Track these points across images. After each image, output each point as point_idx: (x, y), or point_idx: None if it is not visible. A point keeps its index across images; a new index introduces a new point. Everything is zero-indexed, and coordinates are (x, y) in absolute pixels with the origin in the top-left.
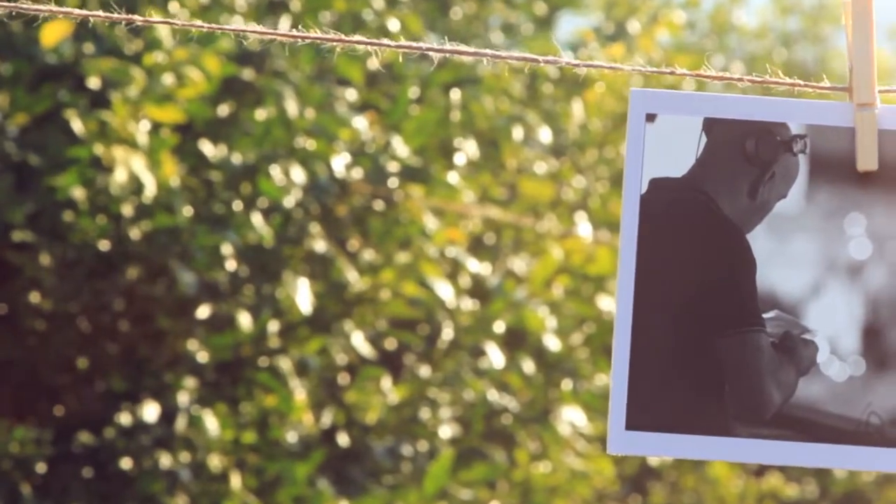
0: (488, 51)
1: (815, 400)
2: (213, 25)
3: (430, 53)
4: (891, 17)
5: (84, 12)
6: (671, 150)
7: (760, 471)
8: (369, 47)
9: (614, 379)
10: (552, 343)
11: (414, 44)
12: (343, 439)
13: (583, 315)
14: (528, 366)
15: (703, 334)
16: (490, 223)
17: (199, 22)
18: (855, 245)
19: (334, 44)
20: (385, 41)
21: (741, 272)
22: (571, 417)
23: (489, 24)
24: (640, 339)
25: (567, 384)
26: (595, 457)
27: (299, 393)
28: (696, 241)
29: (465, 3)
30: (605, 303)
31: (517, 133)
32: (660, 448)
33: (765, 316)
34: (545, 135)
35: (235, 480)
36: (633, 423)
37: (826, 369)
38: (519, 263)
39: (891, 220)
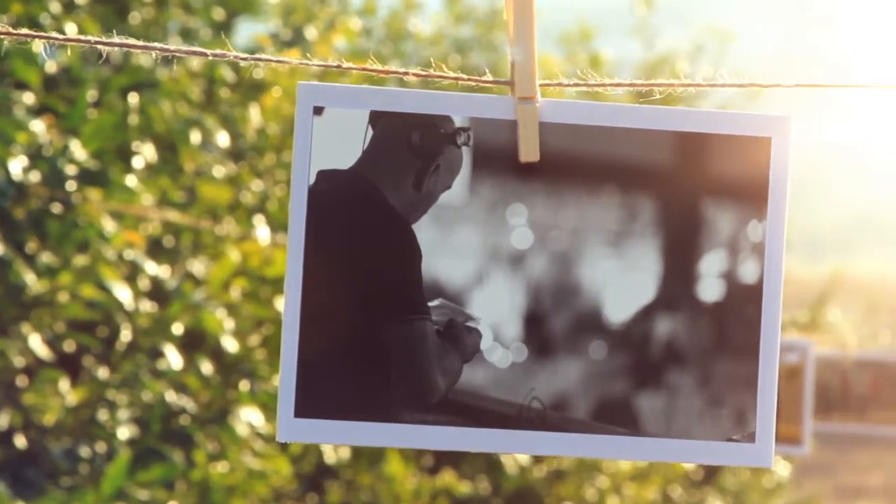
0: (157, 44)
1: (480, 386)
2: None
3: (105, 50)
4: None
5: None
6: (339, 143)
7: (434, 468)
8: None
9: (283, 368)
10: (230, 345)
11: (82, 37)
12: (20, 441)
13: (260, 317)
14: (207, 367)
15: (371, 323)
16: (169, 226)
17: None
18: (517, 235)
19: (3, 37)
20: (54, 34)
21: (406, 261)
22: (249, 418)
23: (168, 29)
24: (308, 329)
25: (245, 385)
26: (273, 456)
27: None
28: (363, 231)
29: (143, 8)
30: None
31: (195, 137)
32: (328, 435)
33: (430, 304)
34: (223, 139)
35: None
36: (301, 412)
37: (490, 356)
38: (198, 266)
39: (551, 211)
